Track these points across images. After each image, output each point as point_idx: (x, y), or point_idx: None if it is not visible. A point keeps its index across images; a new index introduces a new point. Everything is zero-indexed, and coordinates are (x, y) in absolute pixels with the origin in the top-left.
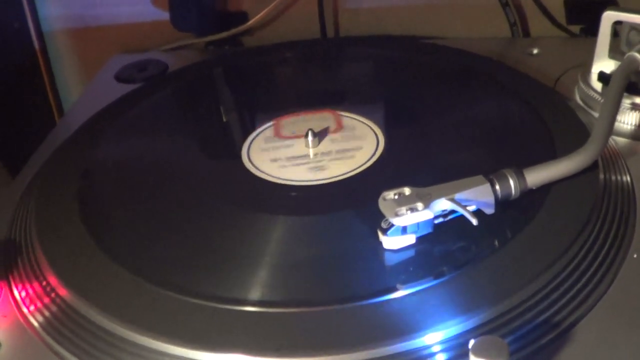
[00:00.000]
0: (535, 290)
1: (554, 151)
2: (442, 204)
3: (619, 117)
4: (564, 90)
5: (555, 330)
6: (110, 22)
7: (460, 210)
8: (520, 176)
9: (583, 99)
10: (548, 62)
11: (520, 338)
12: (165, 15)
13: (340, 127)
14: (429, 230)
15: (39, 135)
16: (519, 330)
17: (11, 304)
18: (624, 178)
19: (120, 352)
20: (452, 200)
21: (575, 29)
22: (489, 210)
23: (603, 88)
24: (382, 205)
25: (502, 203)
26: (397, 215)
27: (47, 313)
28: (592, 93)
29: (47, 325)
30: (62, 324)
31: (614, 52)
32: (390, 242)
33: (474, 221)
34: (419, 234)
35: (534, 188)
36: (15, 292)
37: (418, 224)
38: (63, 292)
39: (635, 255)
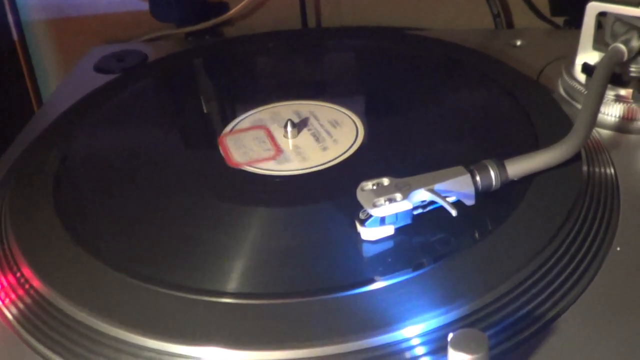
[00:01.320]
0: (517, 283)
1: (537, 143)
2: (421, 195)
3: (603, 109)
4: (547, 82)
5: (537, 323)
6: (90, 12)
7: (440, 201)
8: (501, 167)
9: (567, 91)
10: (531, 53)
11: (500, 331)
12: (145, 6)
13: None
14: (408, 221)
15: (17, 125)
16: (500, 324)
17: None
18: (608, 170)
19: (95, 344)
20: (432, 190)
21: (559, 20)
22: (469, 202)
23: (587, 80)
24: (360, 196)
25: (484, 194)
26: (375, 205)
27: (21, 305)
28: (575, 85)
29: (21, 318)
30: (36, 316)
31: (598, 43)
32: (368, 233)
33: (453, 212)
34: (398, 225)
35: (516, 179)
36: None
37: (397, 214)
38: (37, 284)
39: (618, 248)
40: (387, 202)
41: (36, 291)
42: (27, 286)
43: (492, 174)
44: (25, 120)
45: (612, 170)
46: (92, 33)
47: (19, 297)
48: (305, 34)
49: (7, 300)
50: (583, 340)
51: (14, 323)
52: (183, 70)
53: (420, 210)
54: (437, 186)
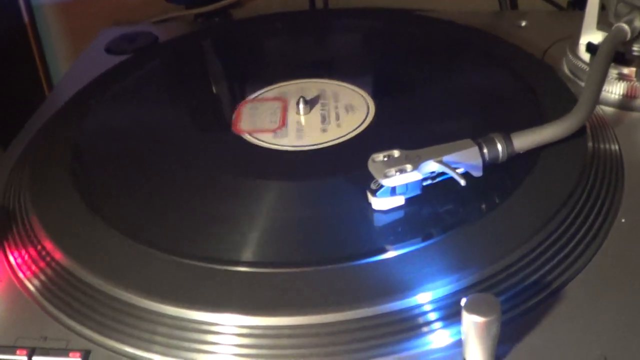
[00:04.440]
0: (526, 252)
1: (543, 120)
2: (431, 166)
3: (606, 87)
4: (552, 62)
5: (545, 291)
6: None
7: (449, 172)
8: (507, 140)
9: (571, 70)
10: (536, 34)
11: (510, 298)
12: None
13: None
14: (418, 191)
15: (29, 108)
16: (510, 291)
17: (7, 269)
18: (612, 146)
19: (115, 312)
20: (441, 162)
21: (563, 1)
22: (477, 173)
23: (591, 59)
24: (372, 167)
25: (492, 167)
26: (386, 176)
27: (42, 277)
28: (580, 64)
29: (43, 289)
30: (58, 287)
31: (602, 23)
32: (380, 203)
33: (462, 182)
34: (408, 195)
35: (522, 152)
36: (11, 258)
37: (407, 185)
38: (58, 255)
39: (623, 220)
40: (397, 173)
41: (57, 263)
42: (48, 259)
43: (499, 146)
44: (36, 102)
45: (617, 146)
46: (102, 15)
47: (40, 270)
48: (312, 15)
49: (28, 273)
50: (589, 307)
51: (36, 295)
52: (193, 51)
53: (429, 182)
54: (446, 158)
